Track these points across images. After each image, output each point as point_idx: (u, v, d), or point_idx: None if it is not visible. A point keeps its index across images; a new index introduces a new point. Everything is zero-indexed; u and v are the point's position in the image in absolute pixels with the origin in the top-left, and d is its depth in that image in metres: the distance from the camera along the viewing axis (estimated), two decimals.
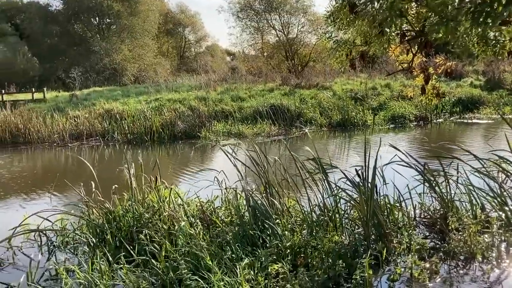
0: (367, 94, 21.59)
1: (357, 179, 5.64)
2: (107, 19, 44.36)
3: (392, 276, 4.68)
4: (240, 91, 23.05)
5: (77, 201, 7.85)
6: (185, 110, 19.13)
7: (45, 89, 27.04)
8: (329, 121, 18.99)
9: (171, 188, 6.62)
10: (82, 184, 6.88)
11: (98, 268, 4.95)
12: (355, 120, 18.77)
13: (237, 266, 4.41)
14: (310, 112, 19.43)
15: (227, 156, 6.40)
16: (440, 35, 4.55)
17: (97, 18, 44.43)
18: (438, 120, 19.54)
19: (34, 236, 6.73)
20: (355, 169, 5.79)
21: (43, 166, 14.54)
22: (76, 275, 4.92)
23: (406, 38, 6.05)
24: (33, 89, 28.13)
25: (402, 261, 5.02)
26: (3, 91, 25.95)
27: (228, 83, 26.22)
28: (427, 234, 5.90)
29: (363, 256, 4.71)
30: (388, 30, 5.67)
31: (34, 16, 44.00)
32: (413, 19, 5.94)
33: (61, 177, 10.52)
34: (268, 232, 5.26)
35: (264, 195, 5.98)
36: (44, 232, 6.60)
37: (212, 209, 6.55)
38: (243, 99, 21.48)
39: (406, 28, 5.98)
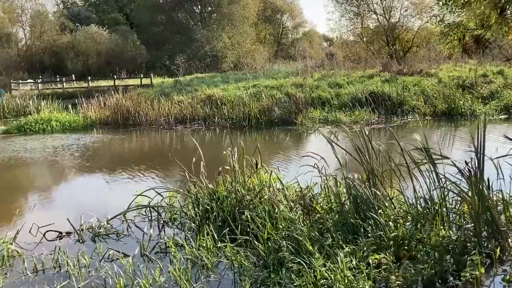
0: (477, 82, 20.04)
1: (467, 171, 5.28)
2: (209, 8, 45.99)
3: (507, 277, 4.35)
4: (338, 77, 22.65)
5: (182, 179, 8.30)
6: (281, 97, 19.29)
7: (151, 75, 28.87)
8: (433, 110, 17.96)
9: (271, 172, 6.75)
10: (192, 165, 7.23)
11: (204, 244, 5.23)
12: (463, 110, 17.56)
13: (338, 253, 4.39)
14: (413, 100, 18.54)
15: (330, 143, 6.33)
16: None
17: (199, 7, 46.27)
18: None
19: (145, 211, 7.27)
20: (465, 161, 5.43)
21: (151, 146, 15.61)
22: (185, 250, 5.24)
23: None
24: (141, 75, 30.19)
25: None
26: (115, 77, 28.20)
27: (325, 69, 25.89)
28: None
29: (473, 253, 4.45)
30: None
31: (142, 6, 46.97)
32: None
33: (168, 157, 11.22)
34: (370, 222, 5.16)
35: (366, 184, 5.85)
36: (155, 207, 7.10)
37: (311, 195, 6.57)
38: (340, 85, 21.10)
39: None
